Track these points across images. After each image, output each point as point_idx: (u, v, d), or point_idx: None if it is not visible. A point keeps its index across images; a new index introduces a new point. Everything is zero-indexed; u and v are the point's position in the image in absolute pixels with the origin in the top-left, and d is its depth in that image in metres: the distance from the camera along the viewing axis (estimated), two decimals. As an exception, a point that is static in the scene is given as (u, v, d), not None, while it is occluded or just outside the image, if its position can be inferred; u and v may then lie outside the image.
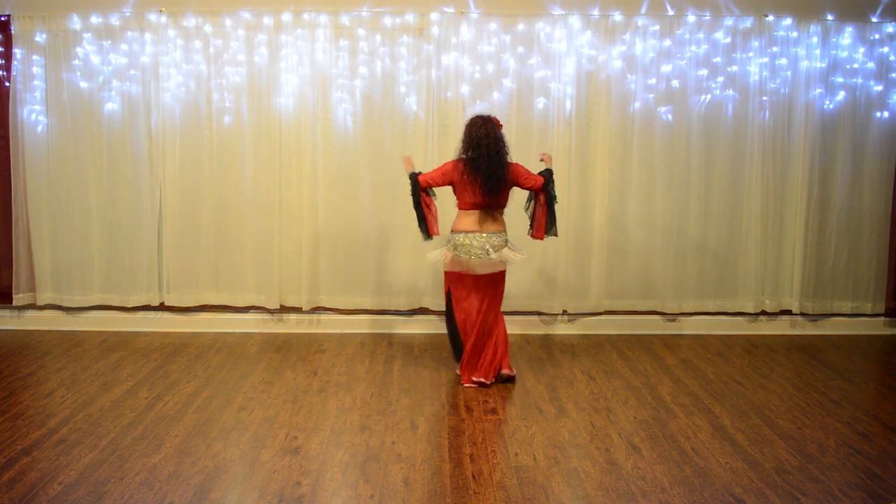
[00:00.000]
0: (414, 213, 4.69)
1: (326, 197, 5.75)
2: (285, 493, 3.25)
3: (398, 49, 5.61)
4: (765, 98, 5.72)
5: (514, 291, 5.86)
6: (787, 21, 5.69)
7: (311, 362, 5.12)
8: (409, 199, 4.70)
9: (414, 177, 4.59)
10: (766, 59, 5.70)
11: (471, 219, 4.60)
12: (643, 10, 5.66)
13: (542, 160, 4.86)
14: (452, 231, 4.62)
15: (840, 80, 5.75)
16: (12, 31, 5.58)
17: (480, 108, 5.65)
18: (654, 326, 5.94)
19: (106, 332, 5.78)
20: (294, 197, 5.71)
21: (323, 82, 5.63)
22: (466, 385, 4.64)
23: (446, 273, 4.74)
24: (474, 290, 4.67)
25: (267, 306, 5.81)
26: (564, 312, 5.91)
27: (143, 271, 5.79)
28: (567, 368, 5.05)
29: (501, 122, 4.70)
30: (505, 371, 4.71)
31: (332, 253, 5.81)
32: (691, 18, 5.67)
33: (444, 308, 5.01)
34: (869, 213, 5.89)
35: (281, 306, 5.83)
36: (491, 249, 4.56)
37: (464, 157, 4.58)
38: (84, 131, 5.68)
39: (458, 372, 4.80)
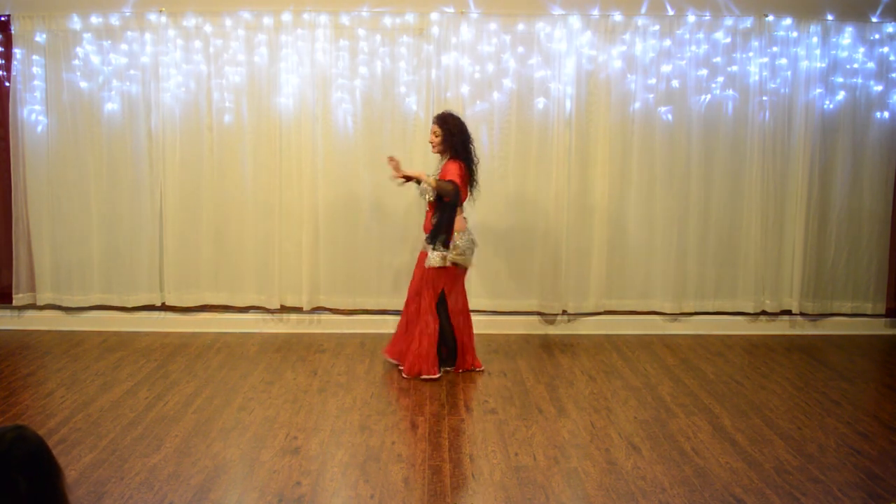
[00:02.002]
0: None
1: (326, 197, 5.75)
2: (285, 493, 3.25)
3: (398, 49, 5.61)
4: (765, 98, 5.72)
5: (514, 291, 5.87)
6: (787, 21, 5.69)
7: (311, 362, 5.12)
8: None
9: (457, 187, 4.62)
10: (766, 59, 5.70)
11: (461, 216, 4.77)
12: (643, 10, 5.66)
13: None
14: (457, 230, 4.73)
15: (840, 80, 5.75)
16: (12, 31, 5.58)
17: (480, 108, 5.66)
18: (654, 326, 5.94)
19: (106, 332, 5.78)
20: (294, 197, 5.71)
21: (323, 82, 5.63)
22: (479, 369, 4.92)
23: (446, 277, 4.78)
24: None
25: (267, 306, 5.81)
26: (564, 312, 5.91)
27: (142, 271, 5.79)
28: (567, 368, 5.05)
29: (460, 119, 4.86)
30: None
31: (332, 253, 5.81)
32: (691, 18, 5.66)
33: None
34: (869, 214, 5.89)
35: (281, 306, 5.83)
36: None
37: (463, 156, 4.71)
38: (84, 131, 5.68)
39: (447, 369, 4.89)
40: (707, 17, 5.68)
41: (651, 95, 5.70)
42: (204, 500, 3.17)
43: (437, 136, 4.71)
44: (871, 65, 5.76)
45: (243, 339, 5.67)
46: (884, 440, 3.91)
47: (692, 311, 5.94)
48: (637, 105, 5.71)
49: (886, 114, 5.80)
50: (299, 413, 4.17)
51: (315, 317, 5.91)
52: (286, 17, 5.55)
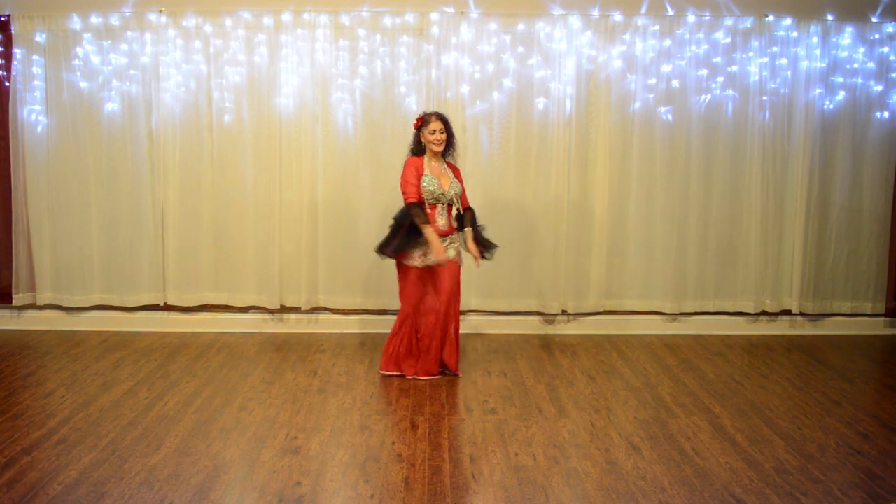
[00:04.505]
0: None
1: (326, 197, 5.75)
2: (285, 493, 3.25)
3: (398, 49, 5.61)
4: (765, 98, 5.72)
5: (514, 291, 5.87)
6: (787, 21, 5.69)
7: (310, 362, 5.12)
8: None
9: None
10: (766, 59, 5.70)
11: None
12: (643, 10, 5.66)
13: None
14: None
15: (840, 80, 5.75)
16: (12, 31, 5.58)
17: (480, 108, 5.66)
18: (654, 326, 5.94)
19: (106, 332, 5.78)
20: (294, 197, 5.72)
21: (323, 82, 5.63)
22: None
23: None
24: None
25: (267, 306, 5.81)
26: (564, 312, 5.91)
27: (143, 271, 5.79)
28: (567, 368, 5.05)
29: (418, 120, 4.74)
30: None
31: (332, 253, 5.81)
32: (691, 18, 5.67)
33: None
34: (869, 213, 5.89)
35: (281, 306, 5.83)
36: None
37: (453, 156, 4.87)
38: (84, 131, 5.68)
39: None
40: (707, 17, 5.68)
41: (651, 95, 5.70)
42: (204, 500, 3.17)
43: (443, 135, 4.64)
44: (871, 65, 5.76)
45: (243, 339, 5.67)
46: (884, 440, 3.91)
47: (692, 311, 5.94)
48: (637, 105, 5.71)
49: (886, 114, 5.80)
50: (299, 413, 4.17)
51: (315, 317, 5.91)
52: (286, 17, 5.55)
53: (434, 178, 4.61)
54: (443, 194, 4.61)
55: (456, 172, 4.75)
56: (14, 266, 5.78)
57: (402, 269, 4.71)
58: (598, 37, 5.65)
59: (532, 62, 5.65)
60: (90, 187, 5.73)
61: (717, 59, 5.70)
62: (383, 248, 4.66)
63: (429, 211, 4.62)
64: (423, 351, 4.74)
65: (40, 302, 5.84)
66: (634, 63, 5.68)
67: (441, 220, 4.66)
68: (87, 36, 5.60)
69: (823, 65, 5.72)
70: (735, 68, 5.71)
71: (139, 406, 4.23)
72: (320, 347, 5.47)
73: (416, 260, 4.62)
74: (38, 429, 3.90)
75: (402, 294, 4.75)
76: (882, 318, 6.03)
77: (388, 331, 5.82)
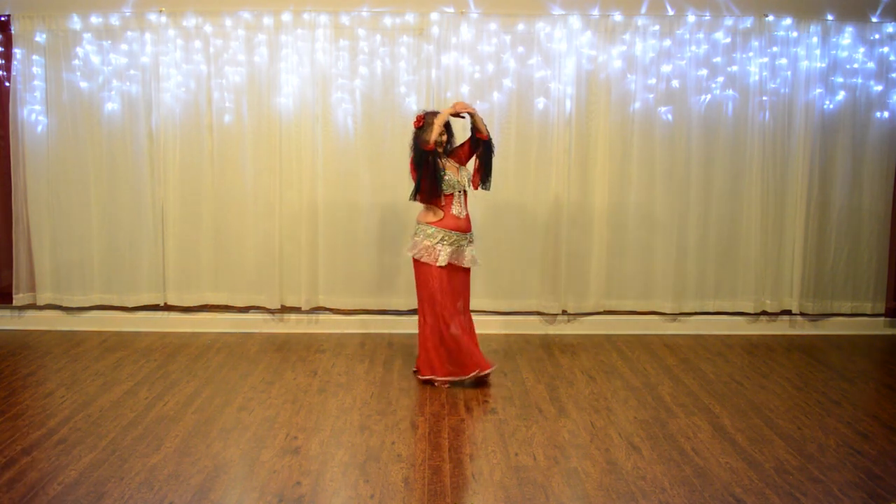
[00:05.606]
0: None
1: (326, 197, 5.75)
2: (285, 493, 3.25)
3: (398, 49, 5.61)
4: (765, 98, 5.72)
5: (515, 291, 5.87)
6: (787, 21, 5.69)
7: (311, 362, 5.12)
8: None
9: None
10: (766, 59, 5.70)
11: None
12: (643, 10, 5.66)
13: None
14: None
15: (840, 80, 5.75)
16: (12, 31, 5.58)
17: (480, 109, 5.65)
18: (654, 326, 5.94)
19: (106, 332, 5.78)
20: (294, 197, 5.72)
21: (323, 82, 5.63)
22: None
23: None
24: None
25: (267, 306, 5.81)
26: (564, 312, 5.91)
27: (143, 271, 5.79)
28: (567, 368, 5.05)
29: (421, 118, 4.63)
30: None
31: (332, 253, 5.81)
32: (691, 18, 5.67)
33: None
34: (869, 213, 5.89)
35: (281, 306, 5.83)
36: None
37: None
38: (84, 131, 5.68)
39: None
40: (707, 17, 5.68)
41: (651, 95, 5.70)
42: (204, 500, 3.17)
43: (444, 136, 4.60)
44: (871, 65, 5.76)
45: (243, 339, 5.67)
46: (884, 440, 3.91)
47: (692, 311, 5.94)
48: (637, 105, 5.71)
49: (886, 114, 5.80)
50: (299, 413, 4.17)
51: (315, 317, 5.91)
52: (286, 17, 5.55)
53: (444, 170, 4.59)
54: (457, 181, 4.59)
55: (455, 159, 4.68)
56: (14, 266, 5.77)
57: (427, 270, 4.57)
58: (598, 37, 5.65)
59: (532, 62, 5.65)
60: (90, 187, 5.73)
61: (717, 59, 5.70)
62: (417, 194, 4.53)
63: (444, 203, 4.56)
64: (474, 346, 4.68)
65: (40, 302, 5.84)
66: (634, 63, 5.68)
67: (457, 207, 4.61)
68: (87, 36, 5.60)
69: (823, 65, 5.72)
70: (735, 68, 5.71)
71: (139, 406, 4.23)
72: (320, 347, 5.47)
73: (442, 258, 4.54)
74: (38, 429, 3.90)
75: (442, 294, 4.57)
76: (882, 318, 6.03)
77: (388, 331, 5.85)
